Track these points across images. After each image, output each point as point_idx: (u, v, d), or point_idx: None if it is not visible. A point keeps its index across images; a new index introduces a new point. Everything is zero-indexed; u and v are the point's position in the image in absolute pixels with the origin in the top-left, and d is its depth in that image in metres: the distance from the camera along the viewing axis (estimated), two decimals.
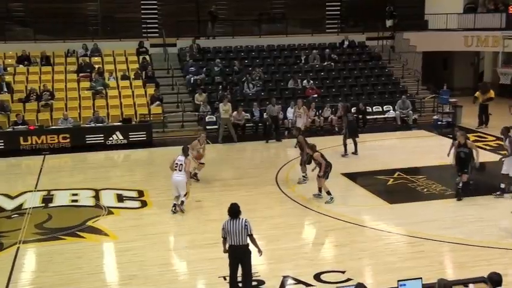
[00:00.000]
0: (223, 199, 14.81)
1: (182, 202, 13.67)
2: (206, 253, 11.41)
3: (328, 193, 14.25)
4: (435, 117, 24.16)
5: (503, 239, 11.83)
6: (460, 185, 14.21)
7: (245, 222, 9.22)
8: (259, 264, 10.85)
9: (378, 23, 29.53)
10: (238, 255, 9.29)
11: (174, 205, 13.70)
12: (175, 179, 13.61)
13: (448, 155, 15.02)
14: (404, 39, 29.17)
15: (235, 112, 22.15)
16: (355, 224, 12.88)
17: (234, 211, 9.34)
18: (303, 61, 26.95)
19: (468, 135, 21.50)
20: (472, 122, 23.05)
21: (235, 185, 16.15)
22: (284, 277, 10.19)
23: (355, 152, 18.83)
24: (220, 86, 24.50)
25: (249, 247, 9.31)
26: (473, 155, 14.15)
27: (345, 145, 18.76)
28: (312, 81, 25.12)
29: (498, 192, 14.46)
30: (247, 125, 22.63)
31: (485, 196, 14.55)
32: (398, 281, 7.80)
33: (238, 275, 9.45)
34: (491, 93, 22.81)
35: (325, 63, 26.91)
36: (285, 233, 12.32)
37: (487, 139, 21.02)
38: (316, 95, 24.19)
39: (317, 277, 10.20)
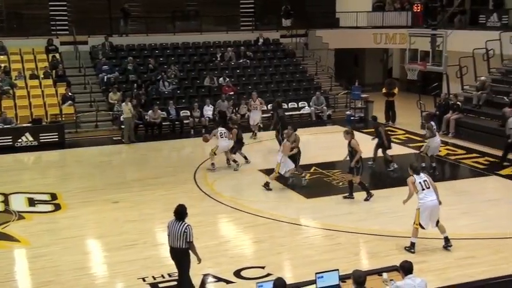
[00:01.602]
0: (142, 199, 14.67)
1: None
2: (124, 255, 11.21)
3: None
4: (348, 112, 24.86)
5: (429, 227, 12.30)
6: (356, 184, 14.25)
7: (185, 228, 8.87)
8: None
9: (293, 20, 29.89)
10: (176, 258, 9.17)
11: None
12: None
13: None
14: (317, 36, 29.78)
15: (150, 111, 21.88)
16: (273, 219, 13.03)
17: (179, 213, 9.04)
18: (218, 58, 26.95)
19: None
20: (383, 116, 23.81)
21: (153, 184, 15.94)
22: (204, 275, 10.16)
23: None
24: (135, 85, 24.10)
25: (188, 251, 9.06)
26: (355, 155, 13.88)
27: (279, 141, 19.03)
28: (228, 79, 25.18)
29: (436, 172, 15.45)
30: (163, 123, 22.39)
31: (398, 187, 15.08)
32: (316, 273, 7.97)
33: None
34: (396, 90, 23.72)
35: (241, 61, 27.04)
36: (205, 231, 12.28)
37: (396, 133, 21.83)
38: (232, 93, 24.27)
39: (237, 274, 10.25)
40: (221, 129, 16.96)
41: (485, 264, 10.47)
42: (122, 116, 21.03)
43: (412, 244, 11.07)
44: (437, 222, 11.09)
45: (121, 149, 20.36)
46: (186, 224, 8.94)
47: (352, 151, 13.92)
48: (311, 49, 29.52)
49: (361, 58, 33.15)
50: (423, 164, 15.95)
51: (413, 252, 10.93)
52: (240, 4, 31.07)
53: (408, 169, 11.29)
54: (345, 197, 14.23)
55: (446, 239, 11.10)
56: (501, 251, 11.11)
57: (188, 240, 8.91)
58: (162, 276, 10.26)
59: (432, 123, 16.35)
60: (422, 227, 10.99)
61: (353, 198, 14.13)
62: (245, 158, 17.62)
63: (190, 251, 9.07)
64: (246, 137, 19.47)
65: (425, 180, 11.07)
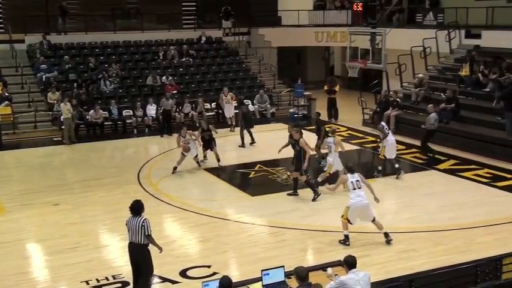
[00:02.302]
0: (84, 201, 14.40)
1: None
2: (66, 258, 10.98)
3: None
4: (291, 110, 25.08)
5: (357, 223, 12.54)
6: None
7: (143, 222, 8.95)
8: (123, 265, 10.64)
9: (233, 21, 29.89)
10: (135, 254, 9.12)
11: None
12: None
13: (279, 151, 15.24)
14: (259, 35, 29.91)
15: (91, 111, 21.49)
16: (218, 218, 13.03)
17: (135, 208, 9.10)
18: (160, 57, 26.71)
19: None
20: (325, 114, 24.14)
21: (95, 185, 15.66)
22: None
23: (252, 142, 19.51)
24: (75, 84, 23.59)
25: (147, 247, 9.11)
26: (304, 154, 13.85)
27: (242, 137, 19.24)
28: (170, 78, 24.97)
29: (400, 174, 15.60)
30: (105, 123, 22.01)
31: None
32: (262, 270, 8.01)
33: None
34: (337, 87, 24.11)
35: (183, 59, 26.87)
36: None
37: (339, 130, 22.12)
38: (175, 91, 24.09)
39: (183, 274, 10.20)
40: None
41: (426, 257, 10.77)
42: (61, 117, 20.56)
43: (346, 236, 11.30)
44: (374, 219, 11.32)
45: (62, 150, 19.91)
46: (143, 218, 9.00)
47: (301, 150, 13.85)
48: (254, 47, 29.63)
49: (304, 56, 33.50)
50: (379, 168, 15.98)
51: (348, 245, 11.18)
52: (181, 2, 30.86)
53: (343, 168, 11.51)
54: (289, 194, 14.34)
55: (386, 234, 11.35)
56: (441, 243, 11.45)
57: (147, 233, 8.97)
58: (106, 278, 10.11)
59: (383, 123, 16.47)
60: (350, 222, 11.25)
61: (297, 195, 14.25)
62: (204, 157, 17.29)
63: (149, 251, 9.13)
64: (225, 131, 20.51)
65: (358, 180, 11.28)
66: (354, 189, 11.19)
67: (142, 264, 9.17)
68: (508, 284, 7.83)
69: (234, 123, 21.73)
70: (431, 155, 17.69)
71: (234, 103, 21.83)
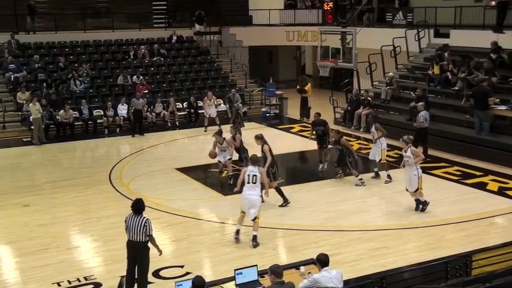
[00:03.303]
0: (54, 202, 14.24)
1: None
2: (37, 260, 10.85)
3: None
4: (263, 109, 25.15)
5: (330, 221, 12.65)
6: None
7: (145, 221, 8.99)
8: (95, 266, 10.59)
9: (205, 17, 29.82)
10: (134, 252, 9.11)
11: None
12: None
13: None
14: (230, 34, 29.88)
15: (62, 111, 21.23)
16: (191, 217, 12.99)
17: (137, 207, 9.11)
18: (131, 56, 26.51)
19: (293, 125, 22.85)
20: (297, 113, 24.27)
21: (66, 186, 15.48)
22: (122, 277, 9.95)
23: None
24: (45, 84, 23.28)
25: (147, 245, 9.12)
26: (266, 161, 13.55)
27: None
28: (141, 77, 24.79)
29: (373, 175, 15.63)
30: (76, 123, 21.76)
31: (310, 183, 15.46)
32: (235, 270, 8.02)
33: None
34: (308, 86, 24.24)
35: (155, 59, 26.71)
36: (121, 232, 11.96)
37: (310, 128, 22.23)
38: (146, 91, 23.93)
39: (156, 274, 10.13)
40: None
41: (397, 254, 10.90)
42: (31, 117, 20.27)
43: (237, 231, 11.47)
44: (255, 218, 11.34)
45: (31, 150, 19.64)
46: (145, 218, 9.05)
47: (263, 156, 13.63)
48: (225, 46, 29.59)
49: (275, 55, 33.60)
50: (375, 169, 15.81)
51: (238, 241, 11.36)
52: (152, 1, 30.64)
53: None
54: (281, 206, 13.80)
55: (254, 237, 11.29)
56: (412, 241, 11.60)
57: (148, 233, 9.02)
58: (78, 279, 10.02)
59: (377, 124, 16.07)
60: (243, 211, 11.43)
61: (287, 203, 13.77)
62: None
63: (149, 248, 9.14)
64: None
65: (255, 175, 11.27)
66: (248, 182, 11.27)
67: (141, 263, 9.16)
68: (477, 280, 7.97)
69: (218, 122, 21.63)
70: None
71: (217, 103, 22.15)
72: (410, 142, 12.95)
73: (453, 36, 22.75)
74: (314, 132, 16.74)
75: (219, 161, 15.49)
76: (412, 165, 12.68)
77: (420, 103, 17.95)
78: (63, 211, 13.56)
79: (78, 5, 29.06)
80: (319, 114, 17.00)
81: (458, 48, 22.13)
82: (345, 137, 16.07)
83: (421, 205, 13.00)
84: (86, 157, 19.90)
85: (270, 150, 13.73)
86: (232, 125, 17.30)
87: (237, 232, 11.48)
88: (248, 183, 11.24)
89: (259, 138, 13.91)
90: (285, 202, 13.68)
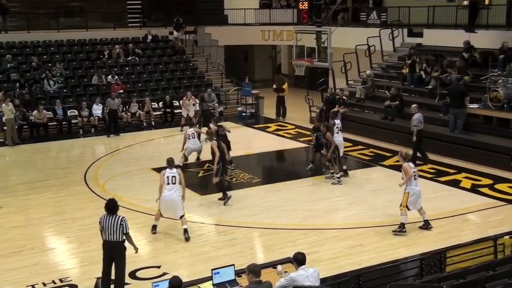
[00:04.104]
0: (28, 203, 14.09)
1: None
2: (11, 262, 10.71)
3: None
4: (239, 108, 25.15)
5: (306, 219, 12.72)
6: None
7: (121, 220, 9.02)
8: (71, 268, 10.51)
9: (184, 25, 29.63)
10: (111, 251, 9.08)
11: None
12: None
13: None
14: (206, 33, 29.81)
15: (35, 111, 20.98)
16: (167, 218, 12.92)
17: (111, 207, 9.11)
18: (106, 56, 26.30)
19: (269, 124, 22.90)
20: (273, 112, 24.32)
21: (41, 187, 15.32)
22: (98, 279, 9.90)
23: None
24: (18, 84, 22.97)
25: (124, 244, 9.12)
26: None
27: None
28: (116, 77, 24.62)
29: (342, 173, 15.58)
30: (50, 124, 21.52)
31: (286, 182, 15.52)
32: (212, 269, 8.03)
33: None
34: (284, 86, 24.33)
35: (129, 58, 26.54)
36: (97, 233, 11.88)
37: (287, 127, 22.37)
38: (122, 91, 23.77)
39: (132, 275, 10.08)
40: (190, 130, 16.81)
41: (373, 252, 11.00)
42: (3, 117, 20.00)
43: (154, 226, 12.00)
44: (181, 217, 11.69)
45: (4, 151, 19.39)
46: (121, 217, 9.07)
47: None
48: (201, 46, 29.50)
49: (251, 55, 33.61)
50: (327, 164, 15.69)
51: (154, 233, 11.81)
52: (126, 0, 30.42)
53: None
54: (220, 199, 14.00)
55: (185, 230, 11.66)
56: (387, 238, 11.71)
57: (125, 231, 9.05)
58: (53, 282, 9.92)
59: (337, 121, 16.11)
60: (161, 214, 11.85)
61: (227, 197, 13.89)
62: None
63: (125, 245, 9.16)
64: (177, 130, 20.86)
65: (174, 176, 11.58)
66: (168, 184, 11.54)
67: (118, 262, 9.14)
68: (452, 276, 8.08)
69: (195, 122, 21.53)
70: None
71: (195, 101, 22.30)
72: (407, 158, 12.20)
73: (426, 35, 23.04)
74: (314, 136, 16.52)
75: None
76: (409, 181, 11.94)
77: (413, 105, 17.13)
78: (38, 212, 13.42)
79: (51, 4, 28.71)
80: (320, 121, 16.91)
81: (432, 47, 22.41)
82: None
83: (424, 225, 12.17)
84: (61, 158, 19.70)
85: (218, 146, 13.83)
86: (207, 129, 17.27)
87: (154, 227, 11.99)
88: (168, 184, 11.55)
89: (209, 134, 14.53)
90: (225, 197, 13.77)
